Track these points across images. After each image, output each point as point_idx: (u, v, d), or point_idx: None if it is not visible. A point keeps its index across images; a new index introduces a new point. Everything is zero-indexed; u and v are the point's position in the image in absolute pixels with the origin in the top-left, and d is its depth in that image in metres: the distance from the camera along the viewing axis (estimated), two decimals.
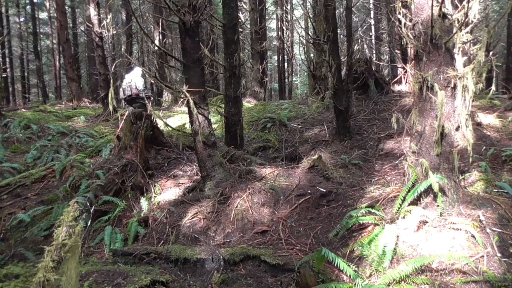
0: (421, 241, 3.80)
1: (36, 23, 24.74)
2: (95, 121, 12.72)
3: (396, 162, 6.66)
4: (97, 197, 5.96)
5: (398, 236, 3.84)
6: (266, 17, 20.95)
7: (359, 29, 16.98)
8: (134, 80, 7.97)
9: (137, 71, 8.00)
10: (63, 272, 2.03)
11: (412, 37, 4.36)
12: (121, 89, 8.09)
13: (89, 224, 5.48)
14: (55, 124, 11.53)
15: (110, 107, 6.78)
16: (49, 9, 25.21)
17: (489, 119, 7.96)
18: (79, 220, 2.14)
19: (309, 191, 5.52)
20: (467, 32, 4.23)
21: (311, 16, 11.31)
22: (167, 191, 6.13)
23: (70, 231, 2.03)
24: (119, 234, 5.23)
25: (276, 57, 27.03)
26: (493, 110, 8.79)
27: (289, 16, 22.73)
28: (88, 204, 5.70)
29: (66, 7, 20.18)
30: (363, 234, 4.21)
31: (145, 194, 6.13)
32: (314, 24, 10.00)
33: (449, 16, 4.16)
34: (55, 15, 17.69)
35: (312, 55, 14.23)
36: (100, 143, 8.91)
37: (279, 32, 22.82)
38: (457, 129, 4.17)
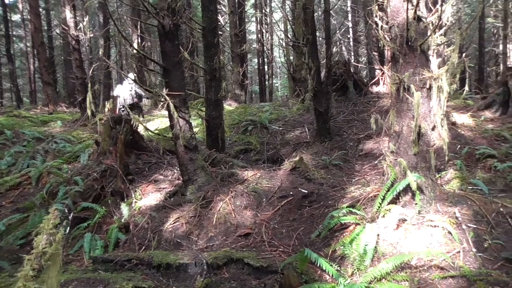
0: (400, 239, 3.88)
1: (8, 25, 24.12)
2: (73, 126, 12.49)
3: (376, 162, 6.78)
4: (76, 204, 5.86)
5: (378, 235, 3.92)
6: (246, 20, 20.99)
7: (338, 31, 17.21)
8: (134, 88, 8.41)
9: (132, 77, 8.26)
10: (44, 281, 1.99)
11: (388, 40, 4.45)
12: (121, 97, 8.43)
13: (67, 231, 5.38)
14: (30, 129, 11.26)
15: (88, 112, 6.71)
16: (22, 11, 24.65)
17: (463, 119, 8.19)
18: (60, 227, 2.10)
19: (291, 193, 5.56)
20: (441, 35, 4.36)
21: (290, 19, 11.42)
22: (148, 196, 6.08)
23: (51, 239, 2.00)
24: (99, 241, 5.15)
25: (256, 60, 27.12)
26: (467, 109, 9.04)
27: (268, 19, 22.85)
28: (67, 211, 5.60)
29: (41, 9, 19.77)
30: (344, 234, 4.28)
31: (125, 200, 6.06)
32: (293, 27, 10.08)
33: (424, 19, 4.28)
34: (29, 17, 17.30)
35: (291, 57, 14.35)
36: (78, 149, 8.75)
37: (259, 35, 22.91)
38: (433, 128, 4.28)
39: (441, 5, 4.05)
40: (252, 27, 28.64)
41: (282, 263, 3.87)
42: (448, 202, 4.25)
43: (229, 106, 14.50)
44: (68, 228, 5.42)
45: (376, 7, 4.56)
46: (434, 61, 4.34)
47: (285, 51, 11.46)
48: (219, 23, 8.42)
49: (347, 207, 4.64)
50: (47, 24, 24.45)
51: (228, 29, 16.96)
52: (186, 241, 4.91)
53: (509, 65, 17.96)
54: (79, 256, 5.00)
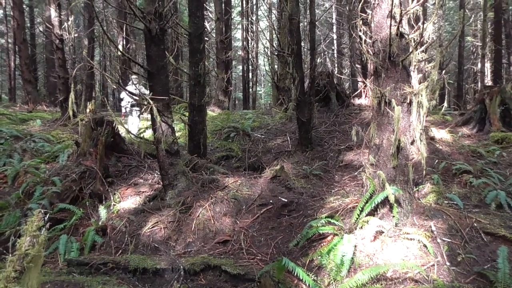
0: (377, 251, 3.94)
1: None
2: (53, 125, 12.25)
3: (355, 173, 6.86)
4: (53, 205, 5.74)
5: (356, 246, 3.96)
6: (232, 27, 21.09)
7: (322, 43, 17.45)
8: (138, 87, 8.59)
9: (136, 79, 8.36)
10: (25, 282, 1.97)
11: (371, 54, 4.55)
12: (126, 99, 8.57)
13: (42, 232, 5.26)
14: (8, 127, 10.99)
15: (70, 112, 6.65)
16: (5, 6, 24.18)
17: (441, 134, 8.38)
18: (43, 229, 2.09)
19: (271, 201, 5.58)
20: (423, 51, 4.48)
21: (276, 28, 11.52)
22: (127, 200, 6.01)
23: (34, 241, 1.98)
24: (75, 243, 5.05)
25: (241, 67, 27.22)
26: (445, 125, 9.27)
27: (254, 27, 23.00)
28: (43, 212, 5.48)
29: (24, 6, 19.44)
30: (322, 244, 4.31)
31: (104, 202, 5.96)
32: (278, 36, 10.18)
33: (406, 36, 4.39)
34: (12, 13, 17.00)
35: (276, 66, 14.45)
36: (57, 149, 8.59)
37: (244, 42, 23.03)
38: (412, 143, 4.37)
39: (423, 23, 4.17)
40: (238, 34, 28.79)
41: (260, 271, 3.87)
42: (425, 216, 4.34)
43: (212, 112, 14.49)
44: (44, 229, 5.30)
45: (360, 21, 4.66)
46: (415, 76, 4.46)
47: (269, 60, 11.55)
48: (205, 29, 8.45)
49: (326, 217, 4.69)
50: (30, 21, 24.07)
51: (214, 35, 17.02)
52: (164, 246, 4.86)
53: (486, 84, 18.52)
54: (53, 258, 4.89)
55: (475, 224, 4.17)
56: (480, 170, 6.17)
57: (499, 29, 15.99)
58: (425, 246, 3.86)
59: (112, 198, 6.01)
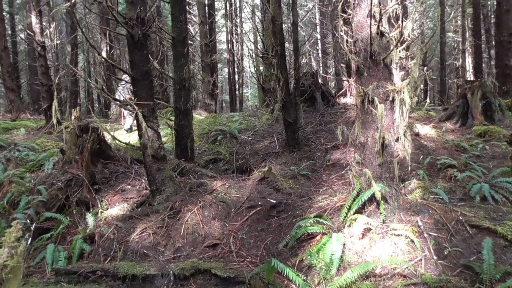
0: (366, 248, 3.98)
1: None
2: (37, 133, 12.08)
3: (343, 172, 6.92)
4: (39, 214, 5.67)
5: (344, 244, 4.00)
6: (216, 30, 21.08)
7: (306, 43, 17.54)
8: (128, 87, 8.92)
9: (127, 77, 8.44)
10: None
11: (353, 53, 4.60)
12: (117, 92, 8.52)
13: (29, 242, 5.19)
14: None
15: (54, 120, 6.56)
16: None
17: (426, 130, 8.50)
18: (22, 240, 2.06)
19: (259, 203, 5.59)
20: (404, 49, 4.54)
21: (259, 30, 11.55)
22: (114, 206, 5.96)
23: (12, 251, 1.96)
24: (63, 252, 4.99)
25: (226, 69, 27.21)
26: (429, 120, 9.39)
27: (238, 29, 23.02)
28: (29, 221, 5.41)
29: (5, 13, 19.17)
30: (311, 244, 4.34)
31: (91, 210, 5.91)
32: (262, 38, 10.21)
33: (387, 34, 4.45)
34: None
35: (261, 68, 14.49)
36: (42, 157, 8.47)
37: (229, 45, 23.04)
38: (397, 140, 4.43)
39: (402, 21, 4.23)
40: (222, 37, 28.77)
41: (250, 273, 3.88)
42: (411, 211, 4.40)
43: (199, 115, 14.45)
44: (30, 239, 5.23)
45: (342, 21, 4.71)
46: (396, 74, 4.52)
47: (254, 62, 11.59)
48: (189, 33, 8.44)
49: (314, 217, 4.72)
50: (11, 28, 23.73)
51: (198, 38, 16.99)
52: (153, 252, 4.84)
53: (468, 79, 18.82)
54: (40, 268, 4.83)
55: (461, 218, 4.24)
56: (464, 164, 6.27)
57: (478, 24, 16.26)
58: (412, 241, 3.91)
59: (99, 205, 5.96)
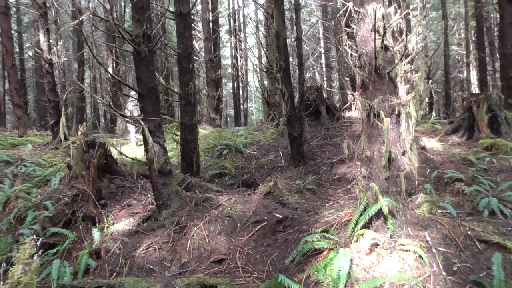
0: (373, 264, 3.93)
1: None
2: (44, 149, 12.16)
3: (349, 186, 6.88)
4: (45, 229, 5.67)
5: (352, 260, 3.95)
6: (221, 45, 21.29)
7: (310, 57, 17.65)
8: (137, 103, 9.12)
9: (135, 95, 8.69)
10: None
11: (358, 67, 4.62)
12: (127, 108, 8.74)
13: (35, 258, 5.18)
14: None
15: (61, 135, 6.61)
16: None
17: (432, 143, 8.46)
18: (35, 257, 2.07)
19: (265, 218, 5.57)
20: (408, 62, 4.55)
21: (263, 45, 11.67)
22: (120, 221, 5.96)
23: (26, 268, 1.96)
24: (68, 267, 4.97)
25: (231, 84, 27.39)
26: (435, 134, 9.36)
27: (242, 45, 23.24)
28: (35, 236, 5.41)
29: (13, 31, 19.51)
30: (318, 259, 4.29)
31: (97, 225, 5.91)
32: (266, 53, 10.31)
33: (391, 48, 4.47)
34: (0, 39, 17.03)
35: (266, 82, 14.58)
36: (49, 172, 8.52)
37: (234, 60, 23.23)
38: (403, 153, 4.41)
39: (406, 35, 4.25)
40: (227, 52, 29.05)
41: None
42: (419, 226, 4.35)
43: (204, 130, 14.51)
44: (36, 254, 5.22)
45: (346, 36, 4.74)
46: (402, 87, 4.52)
47: (259, 77, 11.67)
48: (194, 49, 8.53)
49: (321, 232, 4.68)
50: (19, 46, 24.13)
51: (203, 54, 17.15)
52: (159, 267, 4.81)
53: (473, 92, 18.81)
54: (46, 284, 4.80)
55: (469, 232, 4.19)
56: (472, 178, 6.22)
57: (481, 37, 16.32)
58: (420, 256, 3.86)
59: (105, 220, 5.96)
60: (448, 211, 5.12)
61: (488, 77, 18.48)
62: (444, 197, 5.76)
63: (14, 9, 21.84)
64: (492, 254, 3.76)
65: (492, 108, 8.63)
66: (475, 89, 20.37)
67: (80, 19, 6.69)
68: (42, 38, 11.81)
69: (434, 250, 3.94)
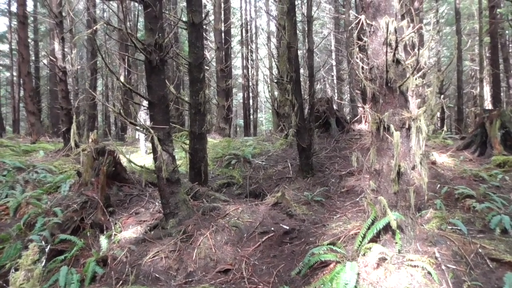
0: (380, 279, 3.87)
1: None
2: (55, 156, 12.30)
3: (357, 199, 6.82)
4: (54, 236, 5.70)
5: (359, 274, 3.90)
6: (232, 56, 21.44)
7: (321, 69, 17.68)
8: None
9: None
10: None
11: (369, 80, 4.61)
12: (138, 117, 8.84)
13: (43, 264, 5.20)
14: (11, 158, 11.04)
15: (72, 143, 6.68)
16: (10, 41, 24.76)
17: (443, 158, 8.36)
18: (38, 263, 2.08)
19: (272, 228, 5.53)
20: (420, 76, 4.53)
21: (275, 56, 11.72)
22: (128, 229, 5.97)
23: (29, 275, 1.96)
24: (75, 274, 4.97)
25: (241, 94, 27.53)
26: (446, 149, 9.25)
27: (254, 55, 23.39)
28: (44, 243, 5.44)
29: (29, 40, 19.89)
30: (325, 272, 4.24)
31: (105, 232, 5.92)
32: (277, 64, 10.36)
33: (402, 62, 4.45)
34: (17, 48, 17.38)
35: (276, 93, 14.62)
36: (59, 179, 8.60)
37: (245, 70, 23.37)
38: (413, 168, 4.36)
39: (418, 49, 4.24)
40: (238, 62, 29.24)
41: None
42: (428, 242, 4.28)
43: (213, 139, 14.56)
44: (44, 261, 5.24)
45: (357, 48, 4.74)
46: (413, 101, 4.49)
47: (269, 87, 11.71)
48: (205, 58, 8.61)
49: (328, 244, 4.63)
50: (34, 54, 24.58)
51: (214, 64, 17.29)
52: (165, 276, 4.80)
53: (486, 107, 18.63)
54: None
55: (480, 250, 4.11)
56: (483, 195, 6.12)
57: (496, 53, 16.20)
58: (429, 273, 3.79)
59: (113, 227, 5.97)
60: (458, 228, 5.03)
61: (502, 94, 18.30)
62: (454, 213, 5.67)
63: (32, 18, 22.30)
64: (504, 273, 3.68)
65: (506, 125, 8.52)
66: (488, 105, 20.16)
67: (94, 28, 6.79)
68: (57, 46, 12.03)
69: (443, 267, 3.87)
